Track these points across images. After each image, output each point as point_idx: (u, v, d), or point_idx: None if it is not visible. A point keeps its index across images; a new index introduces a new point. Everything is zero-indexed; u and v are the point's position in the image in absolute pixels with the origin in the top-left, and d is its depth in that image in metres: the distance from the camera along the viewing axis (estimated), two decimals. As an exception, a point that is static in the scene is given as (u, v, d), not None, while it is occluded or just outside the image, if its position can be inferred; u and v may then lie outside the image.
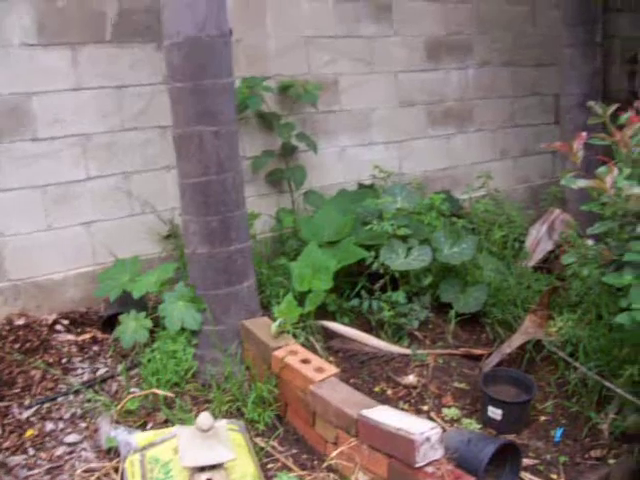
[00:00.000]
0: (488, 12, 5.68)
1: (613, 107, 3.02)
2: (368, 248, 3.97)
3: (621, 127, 2.90)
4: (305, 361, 3.09)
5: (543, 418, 3.39)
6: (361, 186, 4.90)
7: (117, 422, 3.04)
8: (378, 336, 3.82)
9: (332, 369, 3.05)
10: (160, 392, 3.12)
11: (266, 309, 3.76)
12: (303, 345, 3.34)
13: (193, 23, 3.17)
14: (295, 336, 3.38)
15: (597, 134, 2.92)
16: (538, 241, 4.88)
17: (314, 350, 3.45)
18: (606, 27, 6.04)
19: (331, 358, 3.63)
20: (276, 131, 4.48)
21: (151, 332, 3.52)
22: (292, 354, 3.14)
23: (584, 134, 2.86)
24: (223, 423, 2.62)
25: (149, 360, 3.40)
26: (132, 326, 3.51)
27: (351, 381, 3.49)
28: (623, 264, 2.69)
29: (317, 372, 2.99)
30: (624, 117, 2.96)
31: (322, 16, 4.76)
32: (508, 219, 4.92)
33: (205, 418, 2.41)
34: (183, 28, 3.18)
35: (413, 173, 5.33)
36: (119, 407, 3.08)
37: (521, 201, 5.80)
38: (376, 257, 3.92)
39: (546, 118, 6.27)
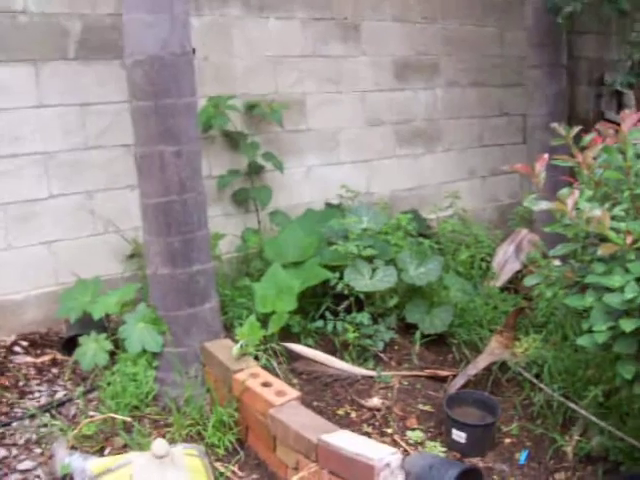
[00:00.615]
0: (455, 33, 5.73)
1: (576, 129, 3.02)
2: (333, 269, 3.94)
3: (584, 148, 2.91)
4: (266, 384, 3.04)
5: (508, 440, 3.38)
6: (328, 206, 4.88)
7: (73, 447, 2.96)
8: (342, 358, 3.78)
9: (293, 393, 3.01)
10: (118, 416, 3.06)
11: (229, 331, 3.70)
12: (265, 368, 3.30)
13: (155, 41, 3.14)
14: (257, 358, 3.33)
15: (561, 155, 2.93)
16: (505, 261, 4.88)
17: (276, 373, 3.41)
18: (572, 49, 6.12)
19: (294, 380, 3.58)
20: (242, 150, 4.45)
21: (112, 354, 3.46)
22: (253, 377, 3.09)
23: (545, 156, 2.86)
24: (180, 449, 2.57)
25: (109, 383, 3.33)
26: (92, 348, 3.44)
27: (314, 404, 3.45)
28: (585, 286, 2.69)
29: (278, 396, 2.95)
30: (587, 138, 2.96)
31: (290, 35, 4.76)
32: (475, 239, 4.92)
33: (160, 444, 2.36)
34: (145, 46, 3.15)
35: (381, 193, 5.32)
36: (75, 432, 3.00)
37: (489, 221, 5.82)
38: (341, 278, 3.89)
39: (514, 138, 6.31)
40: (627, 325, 2.30)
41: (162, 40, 3.13)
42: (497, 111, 6.14)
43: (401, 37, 5.38)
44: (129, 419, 3.12)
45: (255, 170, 4.56)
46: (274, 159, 4.52)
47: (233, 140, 4.51)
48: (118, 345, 3.47)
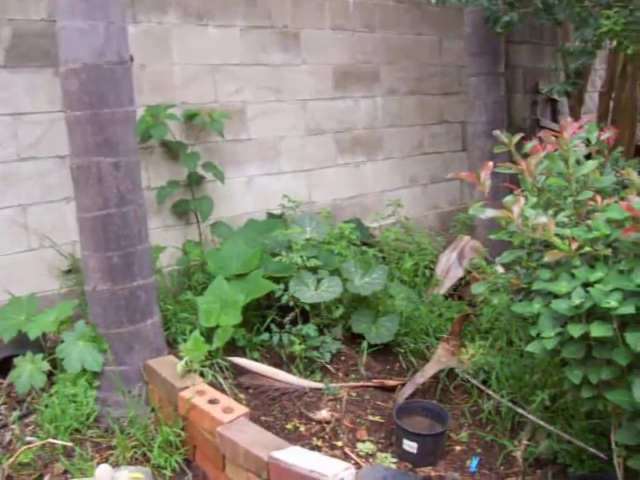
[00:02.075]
0: (395, 41, 5.75)
1: (518, 136, 3.05)
2: (277, 280, 3.89)
3: (526, 156, 2.93)
4: (213, 401, 2.97)
5: (459, 448, 3.38)
6: (270, 216, 4.81)
7: (9, 478, 2.82)
8: (289, 371, 3.73)
9: (241, 409, 2.94)
10: (57, 442, 2.93)
11: (173, 347, 3.61)
12: (211, 384, 3.23)
13: (91, 49, 3.04)
14: (203, 375, 3.25)
15: (503, 162, 2.95)
16: (448, 268, 4.91)
17: (223, 389, 3.33)
18: (509, 58, 6.22)
19: (241, 395, 3.51)
20: (182, 161, 4.35)
21: (50, 375, 3.33)
22: (199, 394, 3.02)
23: (491, 164, 2.87)
24: (124, 473, 2.48)
25: (47, 406, 3.19)
26: (28, 369, 3.29)
27: (262, 419, 3.38)
28: (532, 292, 2.70)
29: (225, 412, 2.88)
30: (529, 146, 2.99)
31: (229, 44, 4.69)
32: (418, 247, 4.93)
33: (103, 471, 2.26)
34: (80, 54, 3.05)
35: (323, 202, 5.29)
36: (11, 460, 2.85)
37: (431, 228, 5.85)
38: (286, 289, 3.84)
39: (454, 146, 6.37)
40: (575, 330, 2.31)
41: (98, 48, 3.04)
42: (437, 119, 6.18)
43: (341, 46, 5.37)
44: (70, 443, 3.00)
45: (195, 181, 4.47)
46: (215, 169, 4.44)
47: (173, 150, 4.41)
48: (56, 365, 3.34)
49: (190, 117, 4.43)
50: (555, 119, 6.73)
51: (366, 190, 5.65)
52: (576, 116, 6.03)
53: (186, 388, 3.06)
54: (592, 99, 6.89)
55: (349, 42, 5.42)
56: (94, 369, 3.27)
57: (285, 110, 5.05)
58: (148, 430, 3.13)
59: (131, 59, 3.26)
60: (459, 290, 4.84)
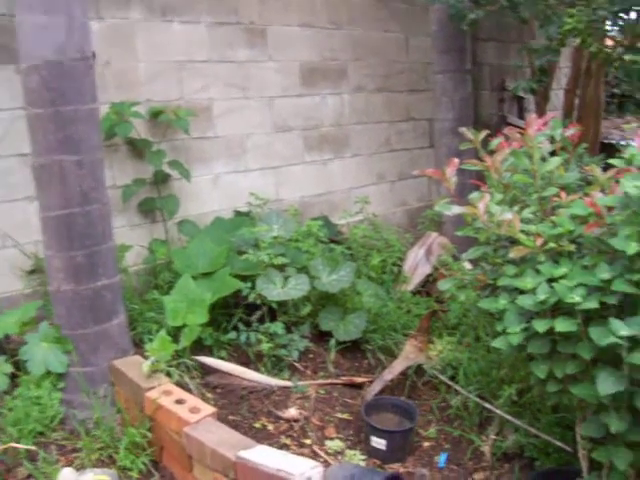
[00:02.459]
0: (362, 38, 5.74)
1: (484, 133, 3.06)
2: (244, 278, 3.87)
3: (492, 152, 2.94)
4: (180, 401, 2.94)
5: (427, 444, 3.40)
6: (237, 214, 4.78)
7: (-30, 482, 2.78)
8: (257, 369, 3.71)
9: (208, 408, 2.91)
10: (20, 446, 2.87)
11: (139, 347, 3.57)
12: (178, 384, 3.19)
13: (52, 45, 2.99)
14: (169, 375, 3.22)
15: (469, 159, 2.95)
16: (416, 265, 4.92)
17: (190, 389, 3.30)
18: (476, 55, 6.25)
19: (209, 395, 3.48)
20: (147, 159, 4.29)
21: (13, 377, 3.27)
22: (166, 394, 2.98)
23: (456, 161, 2.87)
24: (90, 475, 2.44)
25: (10, 409, 3.13)
26: (-10, 372, 3.24)
27: (230, 418, 3.36)
28: (498, 288, 2.71)
29: (192, 412, 2.85)
30: (494, 143, 3.00)
31: (195, 41, 4.64)
32: (386, 243, 4.94)
33: (67, 474, 2.22)
34: (41, 50, 3.00)
35: (290, 199, 5.27)
36: (-27, 465, 2.81)
37: (399, 225, 5.87)
38: (253, 288, 3.82)
39: (421, 142, 6.39)
40: (540, 326, 2.33)
41: (59, 44, 2.99)
42: (404, 116, 6.19)
43: (308, 42, 5.35)
44: (33, 447, 2.94)
45: (161, 179, 4.42)
46: (181, 167, 4.39)
47: (138, 148, 4.35)
48: (19, 367, 3.28)
49: (155, 115, 4.38)
50: (522, 116, 6.78)
51: (334, 187, 5.64)
52: (542, 113, 6.08)
53: (152, 388, 3.03)
54: (558, 96, 6.95)
55: (316, 39, 5.41)
56: (58, 371, 3.22)
57: (252, 107, 5.02)
58: (114, 432, 3.09)
59: (93, 56, 3.21)
60: (427, 286, 4.85)
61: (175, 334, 3.53)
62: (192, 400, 2.98)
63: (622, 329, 2.14)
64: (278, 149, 5.21)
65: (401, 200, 6.25)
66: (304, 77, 5.34)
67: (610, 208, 2.39)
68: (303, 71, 5.33)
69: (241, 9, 4.87)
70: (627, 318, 2.20)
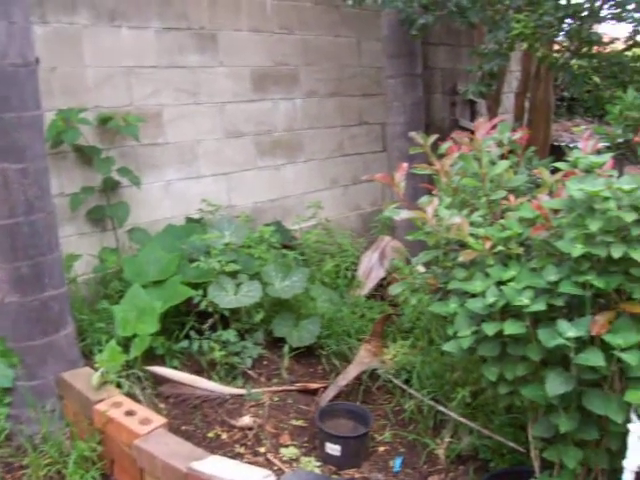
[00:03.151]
0: (314, 43, 5.74)
1: (433, 137, 3.07)
2: (196, 286, 3.83)
3: (441, 156, 2.96)
4: (130, 413, 2.89)
5: (382, 448, 3.40)
6: (189, 221, 4.73)
7: None
8: (210, 377, 3.67)
9: (159, 419, 2.87)
10: (-39, 465, 2.79)
11: (88, 358, 3.50)
12: (129, 395, 3.14)
13: (-8, 50, 2.91)
14: (120, 386, 3.16)
15: (421, 163, 2.96)
16: (370, 269, 4.93)
17: (141, 399, 3.24)
18: (427, 59, 6.29)
19: (161, 405, 3.43)
20: (96, 166, 4.21)
21: (-44, 393, 3.17)
22: (116, 406, 2.93)
23: (405, 165, 2.89)
24: (36, 493, 2.37)
25: (-47, 426, 3.04)
26: None
27: (183, 428, 3.32)
28: (449, 292, 2.73)
29: (143, 424, 2.80)
30: (444, 147, 3.02)
31: (144, 46, 4.58)
32: (340, 248, 4.94)
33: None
34: (-21, 55, 2.91)
35: (243, 205, 5.23)
36: None
37: (353, 229, 5.86)
38: (204, 295, 3.78)
39: (374, 146, 6.41)
40: (489, 329, 2.35)
41: (0, 49, 2.90)
42: (357, 120, 6.21)
43: (259, 47, 5.32)
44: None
45: (111, 186, 4.35)
46: (130, 174, 4.33)
47: (86, 155, 4.27)
48: (-37, 383, 3.19)
49: (104, 121, 4.30)
50: (474, 119, 6.84)
51: (287, 192, 5.62)
52: (493, 116, 6.13)
53: (102, 400, 2.97)
54: (509, 99, 7.03)
55: (267, 44, 5.38)
56: (4, 385, 3.13)
57: (203, 113, 4.97)
58: (63, 446, 3.02)
59: (37, 61, 3.14)
60: (381, 291, 4.86)
61: (126, 344, 3.47)
62: (143, 411, 2.93)
63: (569, 330, 2.17)
64: (230, 155, 5.17)
65: (355, 204, 6.26)
66: (255, 82, 5.31)
67: (557, 211, 2.42)
68: (254, 76, 5.30)
69: (191, 14, 4.83)
70: (574, 319, 2.23)
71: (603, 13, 4.81)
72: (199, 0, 4.88)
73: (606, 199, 2.14)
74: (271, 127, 5.46)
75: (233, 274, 3.90)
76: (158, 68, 4.68)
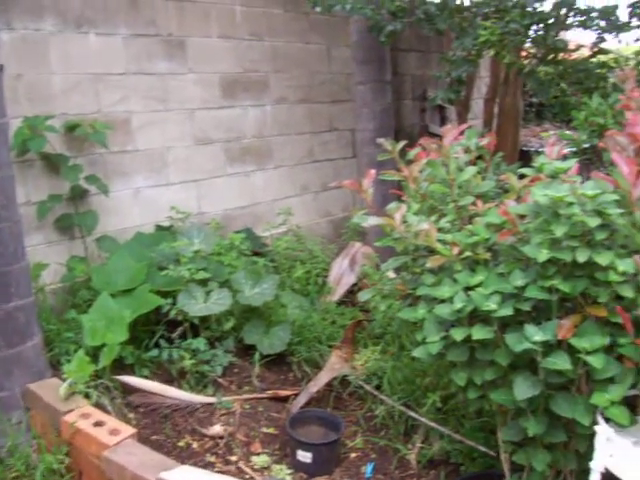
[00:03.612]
0: (283, 50, 5.75)
1: (402, 143, 3.09)
2: (166, 294, 3.80)
3: (410, 163, 2.97)
4: (99, 424, 2.85)
5: (354, 455, 3.39)
6: (159, 228, 4.70)
7: None
8: (180, 386, 3.64)
9: (129, 430, 2.84)
10: None
11: (56, 369, 3.46)
12: (98, 405, 3.10)
13: (-45, 59, 2.87)
14: (88, 396, 3.12)
15: (390, 169, 2.97)
16: (341, 275, 4.93)
17: (110, 410, 3.20)
18: (397, 65, 6.33)
19: (131, 415, 3.40)
20: (63, 174, 4.17)
21: None
22: (84, 417, 2.90)
23: (373, 172, 2.89)
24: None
25: None
26: None
27: (153, 438, 3.29)
28: (418, 298, 2.73)
29: (112, 435, 2.77)
30: (412, 153, 3.03)
31: (112, 52, 4.55)
32: (311, 254, 4.93)
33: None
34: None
35: (213, 212, 5.21)
36: None
37: (324, 235, 5.87)
38: (174, 303, 3.75)
39: (345, 153, 6.42)
40: (458, 334, 2.36)
41: (-37, 57, 2.87)
42: (327, 127, 6.22)
43: (229, 54, 5.31)
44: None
45: (79, 194, 4.31)
46: (98, 182, 4.29)
47: (54, 163, 4.22)
48: None
49: (71, 128, 4.26)
50: (444, 125, 6.90)
51: (257, 199, 5.61)
52: (463, 122, 6.18)
53: (70, 412, 2.94)
54: (479, 105, 7.10)
55: (237, 51, 5.38)
56: (-31, 398, 3.08)
57: (172, 120, 4.94)
58: (30, 459, 2.97)
59: (1, 68, 3.10)
60: (352, 297, 4.86)
61: (94, 354, 3.43)
62: (112, 422, 2.90)
63: (536, 335, 2.18)
64: (200, 162, 5.15)
65: (325, 211, 6.27)
66: (225, 89, 5.30)
67: (523, 216, 2.44)
68: (224, 83, 5.29)
69: (159, 21, 4.81)
70: (542, 323, 2.25)
71: (569, 21, 4.88)
72: (167, 7, 4.85)
73: (570, 204, 2.17)
74: (241, 134, 5.45)
75: (203, 282, 3.88)
76: (126, 75, 4.65)
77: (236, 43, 5.37)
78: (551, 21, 4.72)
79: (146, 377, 3.66)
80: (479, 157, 3.19)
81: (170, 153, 4.93)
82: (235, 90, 5.38)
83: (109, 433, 2.79)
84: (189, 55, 5.04)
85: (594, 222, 2.10)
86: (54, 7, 4.22)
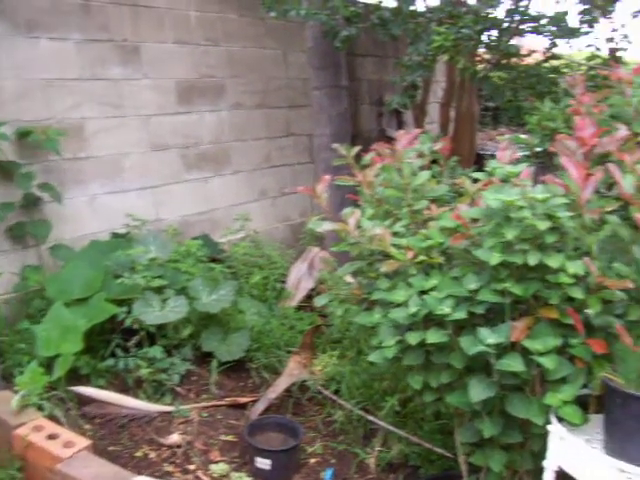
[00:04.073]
0: (239, 55, 5.73)
1: (357, 148, 3.09)
2: (121, 303, 3.75)
3: (365, 168, 2.98)
4: (52, 436, 2.80)
5: (313, 460, 3.39)
6: (115, 236, 4.64)
7: None
8: (137, 396, 3.60)
9: (84, 441, 2.79)
10: None
11: (8, 381, 3.38)
12: (52, 417, 3.04)
13: None
14: (41, 408, 3.06)
15: (347, 174, 2.98)
16: (299, 280, 4.92)
17: (64, 422, 3.14)
18: (354, 70, 6.35)
19: (87, 426, 3.34)
20: (16, 181, 4.09)
21: None
22: (37, 430, 2.84)
23: (327, 177, 2.89)
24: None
25: None
26: None
27: (110, 449, 3.24)
28: (374, 302, 2.74)
29: (66, 447, 2.73)
30: (367, 158, 3.04)
31: (64, 58, 4.48)
32: (269, 260, 4.91)
33: None
34: None
35: (171, 219, 5.16)
36: None
37: (282, 240, 5.86)
38: (130, 312, 3.70)
39: (302, 158, 6.43)
40: (413, 338, 2.37)
41: None
42: (284, 132, 6.22)
43: (184, 60, 5.28)
44: None
45: (32, 202, 4.23)
46: (52, 190, 4.22)
47: (5, 171, 4.14)
48: None
49: (23, 135, 4.18)
50: (401, 129, 6.94)
51: (215, 205, 5.58)
52: (420, 126, 6.28)
53: (22, 425, 2.88)
54: (436, 109, 7.18)
55: (192, 56, 5.34)
56: None
57: (127, 126, 4.89)
58: (-19, 475, 2.91)
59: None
60: (311, 301, 4.85)
61: (49, 365, 3.37)
62: (66, 434, 2.84)
63: (490, 337, 2.20)
64: (156, 168, 5.10)
65: (284, 216, 6.26)
66: (181, 95, 5.26)
67: (476, 220, 2.46)
68: (179, 89, 5.25)
69: (112, 26, 4.75)
70: (495, 326, 2.27)
71: (522, 26, 4.96)
72: (121, 12, 4.80)
73: (521, 208, 2.19)
74: (198, 139, 5.42)
75: (159, 289, 3.84)
76: (80, 80, 4.59)
77: (192, 48, 5.33)
78: (504, 26, 4.79)
79: (102, 387, 3.61)
80: (435, 161, 3.21)
81: (126, 159, 4.88)
82: (191, 95, 5.35)
83: (63, 446, 2.74)
84: (144, 60, 4.99)
85: (544, 225, 2.13)
86: (2, 11, 4.14)
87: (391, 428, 3.27)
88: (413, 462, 3.19)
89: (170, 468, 3.17)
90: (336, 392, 3.64)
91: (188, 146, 5.34)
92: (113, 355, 3.71)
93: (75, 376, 3.56)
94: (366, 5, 5.49)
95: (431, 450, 3.12)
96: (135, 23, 4.91)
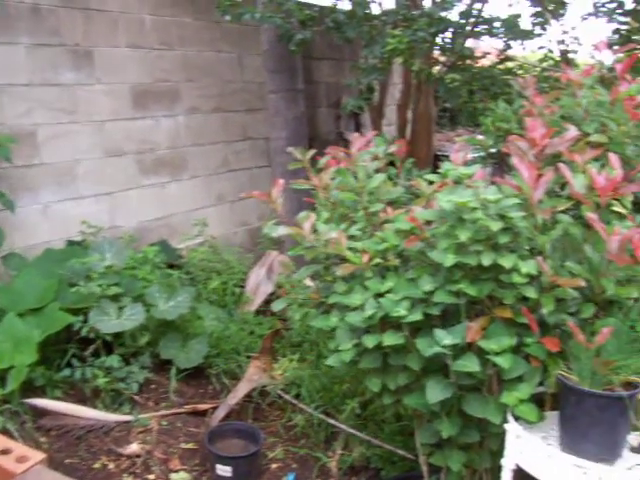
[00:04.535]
0: (195, 59, 5.69)
1: (311, 152, 3.08)
2: (77, 312, 3.69)
3: (320, 171, 2.97)
4: (5, 451, 2.72)
5: (275, 465, 3.38)
6: (70, 244, 4.56)
7: None
8: (95, 406, 3.54)
9: (38, 455, 2.72)
10: None
11: (-40, 396, 3.31)
12: (4, 432, 2.98)
13: None
14: (-6, 423, 3.00)
15: (304, 178, 2.97)
16: (258, 284, 4.90)
17: (19, 435, 3.08)
18: (311, 74, 6.35)
19: (42, 439, 3.28)
20: (-35, 190, 4.02)
21: None
22: (-11, 445, 2.76)
23: (281, 181, 2.88)
24: None
25: None
26: None
27: (67, 461, 3.19)
28: (331, 306, 2.74)
29: (19, 462, 2.64)
30: (322, 161, 3.03)
31: (13, 62, 4.39)
32: (227, 265, 4.88)
33: None
34: None
35: (127, 225, 5.10)
36: None
37: (241, 245, 5.83)
38: (86, 321, 3.64)
39: (260, 161, 6.40)
40: (369, 341, 2.36)
41: None
42: (241, 136, 6.19)
43: (138, 64, 5.21)
44: None
45: (-17, 211, 4.15)
46: (3, 197, 4.13)
47: (-46, 179, 4.07)
48: None
49: (-28, 142, 4.10)
50: (359, 131, 6.96)
51: (173, 210, 5.52)
52: (378, 128, 6.28)
53: (-26, 440, 2.80)
54: (393, 111, 7.20)
55: (147, 60, 5.29)
56: None
57: (80, 132, 4.81)
58: None
59: None
60: (270, 305, 4.83)
61: (2, 377, 3.30)
62: (20, 448, 2.77)
63: (445, 338, 2.21)
64: (111, 174, 5.03)
65: (242, 220, 6.23)
66: (135, 100, 5.20)
67: (430, 221, 2.47)
68: (134, 93, 5.19)
69: (63, 30, 4.67)
70: (451, 327, 2.28)
71: (476, 28, 5.02)
72: (73, 16, 4.73)
73: (474, 209, 2.20)
74: (154, 145, 5.36)
75: (115, 297, 3.79)
76: (31, 86, 4.50)
77: (146, 52, 5.28)
78: (458, 29, 4.84)
79: (59, 398, 3.54)
80: (391, 163, 3.22)
81: (80, 166, 4.80)
82: (146, 100, 5.29)
83: (16, 460, 2.66)
84: (97, 65, 4.92)
85: (496, 226, 2.15)
86: (-52, 17, 4.06)
87: (352, 431, 3.27)
88: (375, 464, 3.20)
89: (130, 479, 3.13)
90: (297, 396, 3.64)
91: (144, 151, 5.27)
92: (69, 365, 3.65)
93: (30, 388, 3.48)
94: (321, 8, 5.49)
95: (392, 452, 3.13)
96: (87, 27, 4.84)
